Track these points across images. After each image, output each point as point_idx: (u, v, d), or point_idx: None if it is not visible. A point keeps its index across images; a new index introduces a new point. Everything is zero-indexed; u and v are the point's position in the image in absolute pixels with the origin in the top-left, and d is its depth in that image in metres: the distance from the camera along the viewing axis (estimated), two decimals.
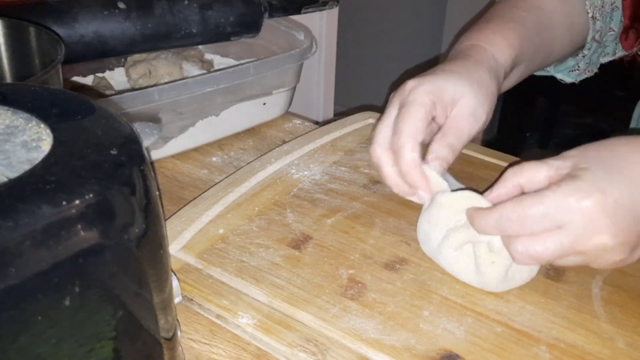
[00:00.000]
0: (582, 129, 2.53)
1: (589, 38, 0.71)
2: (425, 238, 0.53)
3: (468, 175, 0.66)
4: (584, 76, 0.75)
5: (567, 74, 0.76)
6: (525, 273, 0.50)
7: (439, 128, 0.55)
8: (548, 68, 0.75)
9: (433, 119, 0.55)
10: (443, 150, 0.53)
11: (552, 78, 0.77)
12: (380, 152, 0.54)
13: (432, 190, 0.52)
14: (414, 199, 0.54)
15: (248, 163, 0.68)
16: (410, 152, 0.52)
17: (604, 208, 0.43)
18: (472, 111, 0.54)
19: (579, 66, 0.74)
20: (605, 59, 0.75)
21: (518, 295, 0.50)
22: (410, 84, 0.55)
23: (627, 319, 0.48)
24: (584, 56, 0.73)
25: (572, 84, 0.78)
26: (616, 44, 0.74)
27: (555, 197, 0.44)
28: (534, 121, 2.36)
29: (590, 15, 0.69)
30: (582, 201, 0.43)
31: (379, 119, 0.57)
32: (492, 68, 0.58)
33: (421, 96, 0.53)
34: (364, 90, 2.48)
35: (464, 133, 0.54)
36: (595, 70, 0.75)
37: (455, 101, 0.54)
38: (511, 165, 0.50)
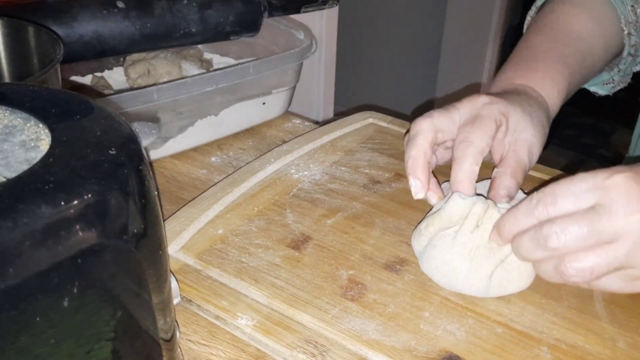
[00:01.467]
0: (582, 129, 2.53)
1: (625, 53, 0.71)
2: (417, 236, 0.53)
3: None
4: (618, 88, 0.76)
5: (602, 87, 0.76)
6: (521, 279, 0.50)
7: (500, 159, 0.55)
8: None
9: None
10: (512, 185, 0.53)
11: None
12: (429, 127, 0.54)
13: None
14: (414, 184, 0.55)
15: (247, 163, 0.67)
16: (472, 164, 0.52)
17: (637, 184, 0.43)
18: (530, 148, 0.55)
19: (613, 79, 0.74)
20: (637, 68, 0.75)
21: (519, 296, 0.50)
22: (484, 98, 0.55)
23: (629, 320, 0.48)
24: (619, 70, 0.73)
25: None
26: None
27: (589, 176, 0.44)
28: None
29: (626, 32, 0.69)
30: (612, 178, 0.43)
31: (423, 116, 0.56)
32: (546, 111, 0.59)
33: (495, 113, 0.53)
34: (364, 90, 2.49)
35: (525, 168, 0.54)
36: (629, 80, 0.75)
37: (518, 132, 0.55)
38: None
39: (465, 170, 0.51)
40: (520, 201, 0.48)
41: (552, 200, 0.45)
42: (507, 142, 0.55)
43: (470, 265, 0.49)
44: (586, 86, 0.76)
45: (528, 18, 0.74)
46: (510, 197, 0.52)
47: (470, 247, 0.49)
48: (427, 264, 0.52)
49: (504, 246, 0.49)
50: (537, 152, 0.56)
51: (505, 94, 0.57)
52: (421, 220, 0.54)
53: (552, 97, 0.61)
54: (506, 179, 0.53)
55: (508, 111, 0.54)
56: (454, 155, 0.53)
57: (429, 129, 0.54)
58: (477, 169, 0.52)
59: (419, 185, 0.54)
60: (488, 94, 0.56)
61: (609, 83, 0.75)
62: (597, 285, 0.46)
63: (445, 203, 0.52)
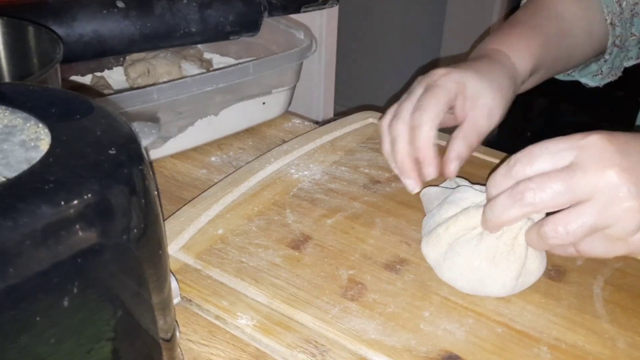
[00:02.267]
0: (582, 129, 2.52)
1: (609, 43, 0.72)
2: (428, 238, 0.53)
3: (468, 175, 0.65)
4: (607, 80, 0.77)
5: (591, 78, 0.77)
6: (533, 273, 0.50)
7: (456, 125, 0.58)
8: (573, 73, 0.77)
9: (451, 108, 0.58)
10: (462, 148, 0.57)
11: (552, 78, 0.78)
12: (401, 126, 0.57)
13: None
14: (407, 182, 0.58)
15: (247, 163, 0.67)
16: (429, 130, 0.55)
17: (611, 144, 0.44)
18: (489, 111, 0.58)
19: (601, 70, 0.75)
20: (629, 63, 0.76)
21: (519, 295, 0.50)
22: (440, 71, 0.58)
23: (628, 319, 0.48)
24: (605, 61, 0.74)
25: (573, 84, 0.79)
26: (639, 48, 0.75)
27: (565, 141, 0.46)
28: (534, 121, 2.36)
29: (608, 22, 0.71)
30: (587, 138, 0.45)
31: (396, 103, 0.60)
32: (512, 74, 0.61)
33: (448, 83, 0.57)
34: (364, 90, 2.49)
35: (481, 131, 0.58)
36: (619, 74, 0.76)
37: (475, 98, 0.57)
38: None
39: (425, 136, 0.55)
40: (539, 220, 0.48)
41: (528, 160, 0.46)
42: (466, 108, 0.58)
43: (498, 269, 0.49)
44: (577, 77, 0.78)
45: (522, 2, 0.76)
46: (460, 160, 0.57)
47: (494, 251, 0.49)
48: (449, 272, 0.50)
49: (522, 242, 0.49)
50: (497, 113, 0.59)
51: (467, 63, 0.61)
52: (430, 226, 0.53)
53: (522, 59, 0.63)
54: (456, 142, 0.57)
55: (464, 80, 0.57)
56: (410, 124, 0.57)
57: (403, 131, 0.57)
58: (433, 133, 0.56)
59: (413, 184, 0.58)
60: (447, 67, 0.59)
61: (598, 74, 0.76)
62: (582, 251, 0.46)
63: (458, 198, 0.52)
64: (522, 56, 0.63)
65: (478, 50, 0.65)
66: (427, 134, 0.55)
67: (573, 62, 0.72)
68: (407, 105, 0.58)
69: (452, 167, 0.57)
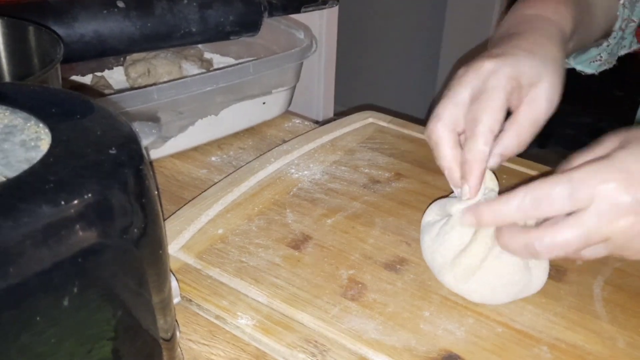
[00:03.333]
0: (582, 129, 2.53)
1: (616, 26, 0.68)
2: (432, 259, 0.52)
3: None
4: (603, 67, 0.73)
5: (588, 65, 0.73)
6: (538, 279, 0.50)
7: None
8: (568, 60, 0.73)
9: None
10: (513, 143, 0.50)
11: None
12: (443, 130, 0.50)
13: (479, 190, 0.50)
14: (455, 190, 0.51)
15: (247, 163, 0.67)
16: (483, 145, 0.48)
17: (628, 188, 0.41)
18: (550, 96, 0.51)
19: (601, 56, 0.71)
20: (622, 52, 0.73)
21: None
22: (489, 65, 0.50)
23: (628, 319, 0.48)
24: (608, 45, 0.70)
25: (573, 84, 0.77)
26: (633, 36, 0.72)
27: (579, 175, 0.42)
28: None
29: (622, 1, 0.67)
30: (606, 182, 0.41)
31: (441, 98, 0.53)
32: (562, 43, 0.54)
33: (502, 82, 0.49)
34: (364, 90, 2.49)
35: (539, 121, 0.51)
36: (614, 62, 0.73)
37: (533, 85, 0.50)
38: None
39: (478, 151, 0.48)
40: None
41: (542, 204, 0.43)
42: (522, 97, 0.51)
43: (525, 272, 0.49)
44: (573, 64, 0.74)
45: None
46: (504, 157, 0.50)
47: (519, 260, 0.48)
48: (480, 294, 0.49)
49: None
50: (557, 93, 0.52)
51: (513, 41, 0.53)
52: (445, 255, 0.51)
53: (566, 21, 0.57)
54: (507, 137, 0.50)
55: (517, 71, 0.50)
56: (465, 136, 0.50)
57: (445, 134, 0.51)
58: (487, 148, 0.48)
59: (470, 191, 0.50)
60: (491, 54, 0.51)
61: (596, 60, 0.72)
62: (583, 257, 0.45)
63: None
64: (566, 20, 0.56)
65: (516, 18, 0.57)
66: (482, 149, 0.48)
67: (590, 38, 0.67)
68: (450, 107, 0.50)
69: (493, 161, 0.50)
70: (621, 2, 0.67)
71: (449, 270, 0.50)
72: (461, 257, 0.49)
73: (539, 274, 0.50)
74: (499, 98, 0.49)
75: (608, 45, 0.70)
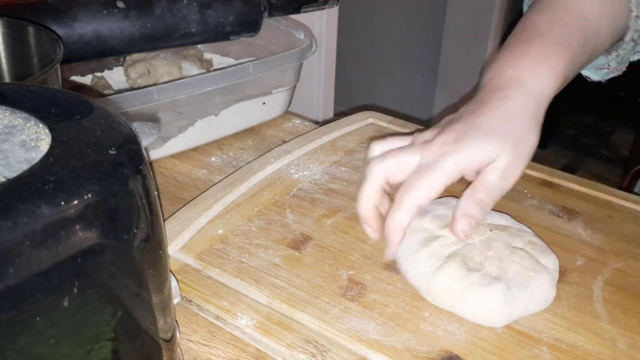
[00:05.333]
0: (582, 129, 2.53)
1: (628, 38, 0.66)
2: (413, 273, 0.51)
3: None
4: (612, 75, 0.71)
5: (595, 72, 0.71)
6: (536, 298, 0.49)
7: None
8: None
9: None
10: (471, 208, 0.50)
11: None
12: (380, 175, 0.51)
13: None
14: (367, 229, 0.53)
15: (247, 163, 0.67)
16: (405, 216, 0.50)
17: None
18: (506, 170, 0.50)
19: (609, 64, 0.69)
20: (635, 57, 0.70)
21: None
22: (442, 146, 0.50)
23: (628, 320, 0.48)
24: (617, 55, 0.68)
25: (574, 84, 0.76)
26: None
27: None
28: None
29: (634, 14, 0.64)
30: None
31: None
32: (535, 114, 0.53)
33: (450, 168, 0.49)
34: (364, 90, 2.49)
35: (495, 190, 0.50)
36: (624, 69, 0.70)
37: (490, 161, 0.50)
38: None
39: (397, 220, 0.50)
40: None
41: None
42: (475, 174, 0.51)
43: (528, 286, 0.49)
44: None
45: (525, 4, 0.70)
46: (470, 219, 0.50)
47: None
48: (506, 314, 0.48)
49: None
50: (518, 168, 0.51)
51: (476, 112, 0.53)
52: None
53: (548, 84, 0.54)
54: (464, 200, 0.50)
55: (472, 158, 0.50)
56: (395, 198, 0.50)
57: (379, 179, 0.52)
58: (407, 221, 0.50)
59: (371, 231, 0.53)
60: (451, 131, 0.51)
61: (604, 68, 0.70)
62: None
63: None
64: (547, 83, 0.54)
65: (491, 76, 0.56)
66: (402, 220, 0.50)
67: (599, 54, 0.65)
68: (400, 160, 0.51)
69: (459, 225, 0.50)
70: (634, 14, 0.64)
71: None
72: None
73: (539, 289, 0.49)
74: (440, 182, 0.49)
75: (617, 56, 0.68)
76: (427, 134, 0.53)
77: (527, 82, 0.54)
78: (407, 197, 0.49)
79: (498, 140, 0.50)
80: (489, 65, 0.59)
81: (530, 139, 0.52)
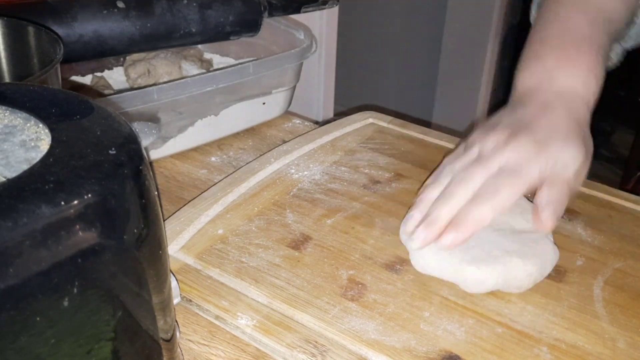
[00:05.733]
0: None
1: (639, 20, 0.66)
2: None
3: None
4: (612, 63, 0.70)
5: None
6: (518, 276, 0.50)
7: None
8: None
9: None
10: (554, 198, 0.51)
11: None
12: (463, 190, 0.51)
13: None
14: (421, 236, 0.51)
15: (247, 163, 0.67)
16: (490, 212, 0.50)
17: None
18: (579, 171, 0.53)
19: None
20: (627, 44, 0.69)
21: (519, 296, 0.50)
22: (521, 152, 0.51)
23: (628, 320, 0.48)
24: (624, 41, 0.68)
25: None
26: None
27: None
28: None
29: None
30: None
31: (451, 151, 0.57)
32: (589, 119, 0.56)
33: (535, 173, 0.51)
34: (364, 90, 2.49)
35: (570, 189, 0.52)
36: (621, 59, 0.70)
37: (569, 164, 0.52)
38: None
39: (480, 213, 0.50)
40: None
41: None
42: (555, 172, 0.52)
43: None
44: None
45: (533, 9, 0.69)
46: (553, 208, 0.51)
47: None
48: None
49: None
50: (586, 169, 0.54)
51: (551, 129, 0.53)
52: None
53: (593, 91, 0.57)
54: (543, 191, 0.51)
55: (552, 163, 0.52)
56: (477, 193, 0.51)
57: (447, 173, 0.53)
58: (489, 218, 0.50)
59: (424, 238, 0.51)
60: (533, 134, 0.52)
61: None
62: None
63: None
64: (594, 88, 0.57)
65: (538, 78, 0.57)
66: (485, 214, 0.49)
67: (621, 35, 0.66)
68: (479, 170, 0.51)
69: (545, 213, 0.50)
70: None
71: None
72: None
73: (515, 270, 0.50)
74: (524, 187, 0.51)
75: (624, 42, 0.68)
76: (490, 143, 0.53)
77: (580, 91, 0.56)
78: (496, 198, 0.49)
79: (576, 144, 0.52)
80: (528, 61, 0.59)
81: (592, 142, 0.55)
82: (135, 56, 0.79)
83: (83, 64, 0.78)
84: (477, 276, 0.49)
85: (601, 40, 0.58)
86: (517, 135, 0.52)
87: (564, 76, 0.56)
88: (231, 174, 0.65)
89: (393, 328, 0.47)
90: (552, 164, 0.51)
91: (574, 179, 0.52)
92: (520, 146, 0.51)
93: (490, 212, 0.49)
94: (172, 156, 0.72)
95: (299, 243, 0.55)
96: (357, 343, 0.45)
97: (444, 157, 0.58)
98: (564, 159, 0.51)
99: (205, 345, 0.47)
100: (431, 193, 0.53)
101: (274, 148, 0.70)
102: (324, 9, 0.83)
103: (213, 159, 0.72)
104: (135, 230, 0.30)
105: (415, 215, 0.52)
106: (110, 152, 0.29)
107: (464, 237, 0.49)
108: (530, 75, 0.58)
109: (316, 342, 0.45)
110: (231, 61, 0.86)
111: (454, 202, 0.50)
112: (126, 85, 0.79)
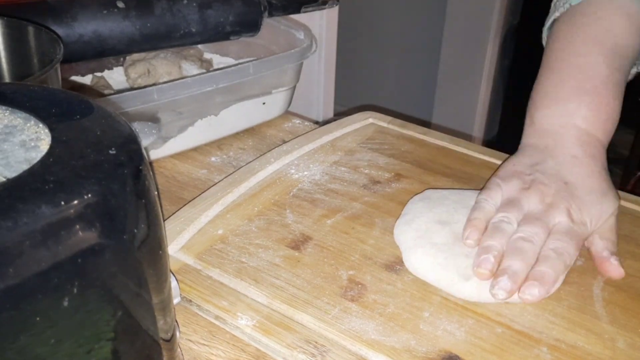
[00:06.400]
0: None
1: None
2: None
3: (468, 175, 0.66)
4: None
5: None
6: None
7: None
8: None
9: None
10: (605, 244, 0.54)
11: None
12: (529, 246, 0.52)
13: None
14: (505, 287, 0.50)
15: (247, 163, 0.67)
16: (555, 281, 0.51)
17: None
18: (615, 221, 0.57)
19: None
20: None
21: None
22: (569, 215, 0.54)
23: (628, 320, 0.48)
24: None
25: None
26: None
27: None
28: None
29: None
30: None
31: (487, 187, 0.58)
32: (603, 156, 0.59)
33: (587, 232, 0.54)
34: (364, 90, 2.49)
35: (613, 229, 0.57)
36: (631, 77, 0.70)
37: (608, 215, 0.56)
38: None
39: (552, 278, 0.50)
40: None
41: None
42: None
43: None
44: None
45: (545, 34, 0.69)
46: (612, 252, 0.54)
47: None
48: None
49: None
50: (616, 208, 0.57)
51: (586, 183, 0.56)
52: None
53: (610, 133, 0.60)
54: (597, 242, 0.55)
55: (598, 218, 0.55)
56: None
57: (495, 200, 0.56)
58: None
59: (507, 293, 0.51)
60: (573, 188, 0.55)
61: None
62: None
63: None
64: (610, 134, 0.60)
65: (561, 123, 0.59)
66: (556, 272, 0.51)
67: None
68: (539, 231, 0.52)
69: (613, 264, 0.53)
70: None
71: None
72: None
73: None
74: (580, 242, 0.54)
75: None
76: (532, 202, 0.55)
77: (601, 137, 0.59)
78: (562, 260, 0.51)
79: (611, 195, 0.56)
80: (548, 101, 0.60)
81: (606, 177, 0.58)
82: (135, 56, 0.79)
83: (83, 64, 0.78)
84: (474, 293, 0.49)
85: (618, 80, 0.60)
86: (561, 195, 0.54)
87: (585, 123, 0.58)
88: (231, 174, 0.65)
89: (393, 328, 0.47)
90: (596, 219, 0.54)
91: (616, 222, 0.57)
92: (569, 208, 0.54)
93: (558, 273, 0.50)
94: (172, 156, 0.72)
95: (299, 243, 0.55)
96: (357, 343, 0.45)
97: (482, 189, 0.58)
98: (607, 210, 0.55)
99: (205, 345, 0.47)
100: (493, 240, 0.53)
101: (274, 148, 0.70)
102: (324, 9, 0.83)
103: (213, 159, 0.72)
104: (135, 230, 0.30)
105: (491, 260, 0.51)
106: (110, 152, 0.29)
107: (547, 293, 0.50)
108: (552, 115, 0.60)
109: (316, 342, 0.45)
110: (231, 61, 0.86)
111: (527, 259, 0.51)
112: (126, 85, 0.79)
